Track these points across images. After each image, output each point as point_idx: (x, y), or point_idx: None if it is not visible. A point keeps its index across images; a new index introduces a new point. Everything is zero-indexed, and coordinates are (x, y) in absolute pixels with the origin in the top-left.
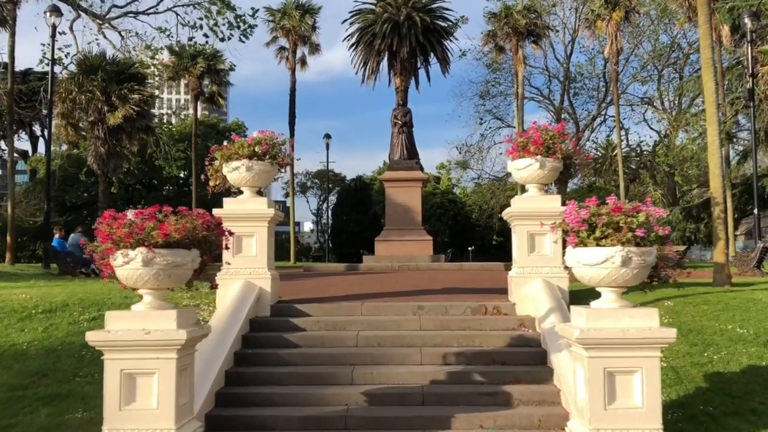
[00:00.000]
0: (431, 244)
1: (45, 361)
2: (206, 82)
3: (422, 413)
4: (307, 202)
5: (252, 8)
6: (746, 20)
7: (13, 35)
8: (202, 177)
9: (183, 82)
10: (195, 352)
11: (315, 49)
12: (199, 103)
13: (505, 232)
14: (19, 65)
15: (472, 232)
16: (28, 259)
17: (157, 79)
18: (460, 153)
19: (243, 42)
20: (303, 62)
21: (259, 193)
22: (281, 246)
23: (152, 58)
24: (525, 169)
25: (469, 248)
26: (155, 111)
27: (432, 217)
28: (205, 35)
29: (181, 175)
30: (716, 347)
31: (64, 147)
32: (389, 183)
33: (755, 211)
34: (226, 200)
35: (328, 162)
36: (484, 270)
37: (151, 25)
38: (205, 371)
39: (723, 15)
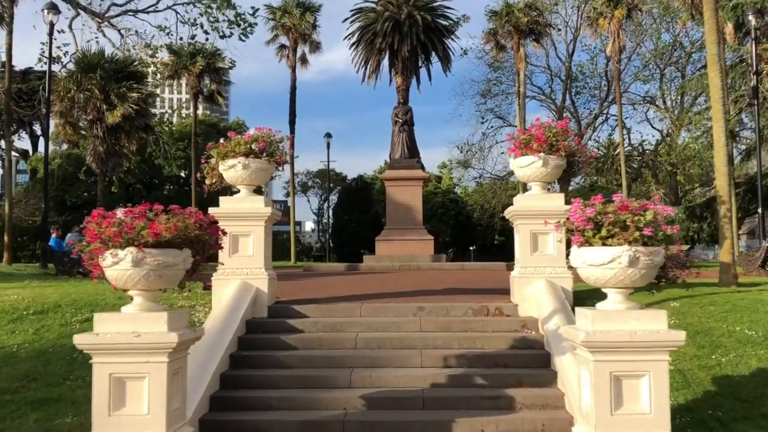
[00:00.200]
0: (432, 243)
1: (35, 363)
2: (206, 81)
3: (422, 417)
4: (308, 201)
5: (252, 7)
6: (750, 17)
7: (10, 33)
8: (198, 175)
9: (183, 81)
10: (188, 355)
11: (316, 47)
12: (199, 102)
13: (507, 231)
14: (20, 64)
15: (473, 231)
16: (28, 259)
17: (158, 77)
18: (461, 152)
19: (243, 41)
20: (303, 60)
21: (257, 191)
22: (282, 246)
23: (152, 56)
24: (528, 166)
25: (471, 248)
26: (156, 110)
27: (433, 216)
28: (206, 32)
29: (182, 174)
30: (724, 349)
31: (65, 146)
32: (390, 182)
33: (759, 210)
34: (222, 199)
35: (329, 161)
36: (486, 270)
37: (151, 24)
38: (199, 374)
39: (727, 12)
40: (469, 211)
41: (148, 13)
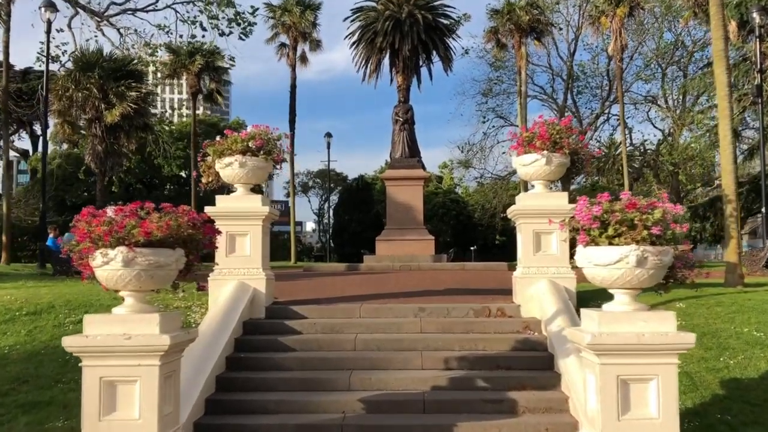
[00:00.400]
0: (433, 243)
1: (27, 366)
2: (205, 80)
3: (423, 421)
4: (309, 202)
5: (252, 6)
6: (754, 15)
7: (7, 31)
8: (194, 173)
9: (183, 81)
10: (181, 357)
11: (316, 45)
12: (199, 102)
13: (508, 232)
14: (20, 64)
15: (474, 231)
16: (28, 259)
17: (158, 76)
18: (462, 152)
19: (243, 40)
20: (304, 59)
21: (254, 190)
22: (283, 246)
23: (151, 55)
24: (531, 164)
25: (472, 248)
26: (156, 110)
27: (434, 216)
28: (203, 29)
29: (183, 174)
30: (732, 351)
31: (64, 146)
32: (390, 181)
33: (763, 209)
34: (218, 198)
35: (329, 161)
36: (487, 270)
37: (150, 23)
38: (194, 377)
39: (730, 10)
40: (470, 211)
41: (147, 11)
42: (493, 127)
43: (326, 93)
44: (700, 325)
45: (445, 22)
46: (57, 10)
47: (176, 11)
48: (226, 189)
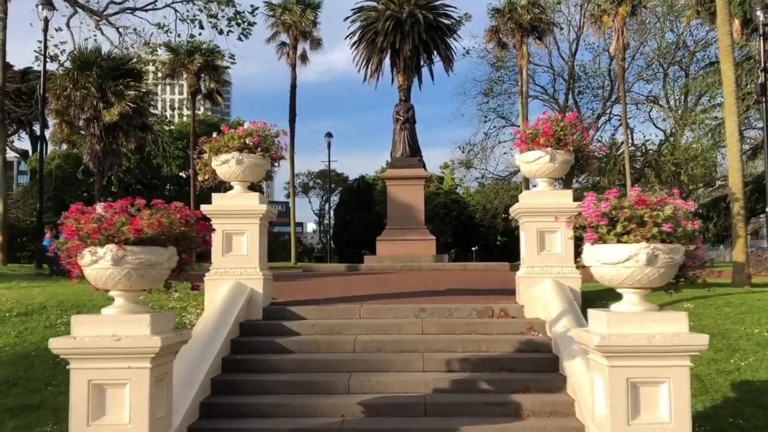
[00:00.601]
0: (434, 243)
1: (16, 368)
2: (205, 79)
3: (424, 425)
4: (309, 202)
5: (252, 6)
6: (758, 13)
7: (4, 29)
8: (190, 171)
9: (183, 81)
10: (173, 359)
11: (316, 44)
12: (199, 101)
13: (509, 232)
14: (19, 64)
15: (475, 232)
16: (27, 259)
17: (158, 75)
18: (463, 152)
19: (242, 40)
20: (304, 58)
21: (252, 188)
22: (283, 247)
23: (151, 54)
24: (534, 162)
25: (473, 248)
26: (156, 111)
27: (435, 217)
28: (201, 27)
29: (182, 174)
30: (743, 353)
31: (64, 146)
32: (391, 181)
33: (767, 209)
34: (214, 195)
35: (329, 161)
36: (489, 270)
37: (149, 22)
38: (188, 379)
39: (734, 8)
40: (471, 211)
41: (146, 11)
42: (494, 127)
43: (327, 94)
44: (709, 325)
45: (446, 21)
46: (54, 8)
47: (176, 10)
48: (224, 187)
